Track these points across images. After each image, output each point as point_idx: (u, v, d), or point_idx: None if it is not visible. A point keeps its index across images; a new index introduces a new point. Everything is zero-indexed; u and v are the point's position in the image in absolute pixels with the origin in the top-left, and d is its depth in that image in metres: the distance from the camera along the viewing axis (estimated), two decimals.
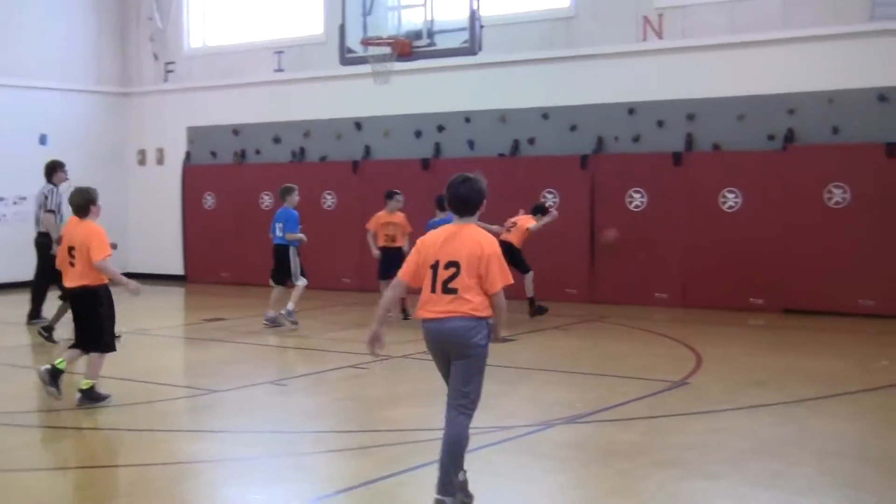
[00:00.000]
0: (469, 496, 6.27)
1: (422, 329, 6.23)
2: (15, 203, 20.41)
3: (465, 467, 6.19)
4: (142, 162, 22.94)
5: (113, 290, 9.55)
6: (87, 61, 22.26)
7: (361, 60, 16.81)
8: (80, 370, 9.76)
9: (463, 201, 6.22)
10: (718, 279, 15.99)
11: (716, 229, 16.06)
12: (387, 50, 16.30)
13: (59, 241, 11.70)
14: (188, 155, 22.11)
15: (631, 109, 16.99)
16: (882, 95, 14.98)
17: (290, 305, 14.45)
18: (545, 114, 17.74)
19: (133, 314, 11.76)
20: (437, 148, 18.83)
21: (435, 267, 6.10)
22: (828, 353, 12.25)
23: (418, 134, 19.04)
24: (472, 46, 15.97)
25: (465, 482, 6.22)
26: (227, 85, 21.40)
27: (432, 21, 16.30)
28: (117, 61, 22.83)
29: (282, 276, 14.72)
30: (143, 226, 22.54)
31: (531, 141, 17.95)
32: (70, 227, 9.67)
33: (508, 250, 12.37)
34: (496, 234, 9.42)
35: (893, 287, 14.72)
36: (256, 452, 7.97)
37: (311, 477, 7.36)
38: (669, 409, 9.14)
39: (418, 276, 6.22)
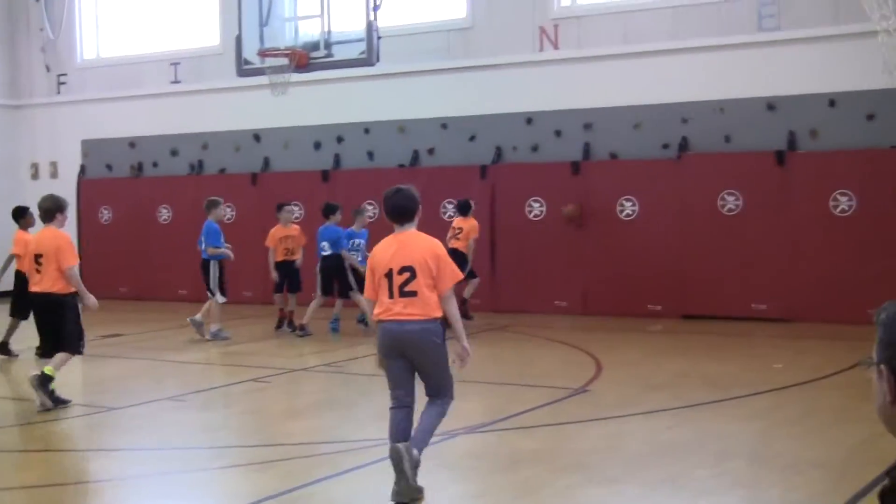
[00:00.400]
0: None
1: (378, 330, 6.60)
2: None
3: (368, 477, 6.20)
4: (35, 176, 22.37)
5: None
6: None
7: (259, 72, 16.72)
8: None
9: (400, 210, 6.67)
10: (617, 286, 16.19)
11: (614, 237, 16.27)
12: (284, 61, 16.25)
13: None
14: (83, 168, 21.65)
15: (529, 119, 17.13)
16: (770, 104, 15.36)
17: (198, 317, 14.31)
18: (444, 124, 17.79)
19: (28, 331, 11.47)
20: (337, 159, 18.75)
21: (389, 275, 6.51)
22: (723, 356, 12.50)
23: (317, 145, 18.94)
24: (369, 57, 16.01)
25: (418, 461, 6.47)
26: (123, 97, 20.98)
27: (329, 32, 16.32)
28: (7, 73, 22.25)
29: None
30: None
31: (430, 151, 17.99)
32: (37, 235, 9.93)
33: (456, 256, 12.48)
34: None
35: (785, 291, 15.09)
36: (155, 469, 7.82)
37: (213, 493, 7.26)
38: (571, 416, 9.22)
39: (379, 288, 6.62)
